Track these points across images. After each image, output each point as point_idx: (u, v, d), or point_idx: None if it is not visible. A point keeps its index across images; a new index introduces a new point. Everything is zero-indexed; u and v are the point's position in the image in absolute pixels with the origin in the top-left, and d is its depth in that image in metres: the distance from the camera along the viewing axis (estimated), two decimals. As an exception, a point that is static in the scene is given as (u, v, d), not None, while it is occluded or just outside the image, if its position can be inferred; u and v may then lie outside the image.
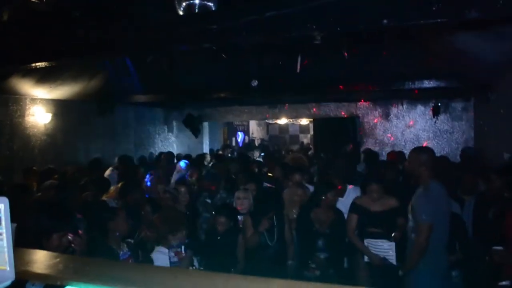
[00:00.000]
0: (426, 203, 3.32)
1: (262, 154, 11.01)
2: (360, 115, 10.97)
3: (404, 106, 10.56)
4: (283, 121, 16.81)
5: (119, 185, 4.86)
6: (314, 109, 11.40)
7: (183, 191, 4.62)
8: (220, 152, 11.09)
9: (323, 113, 11.34)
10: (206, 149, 13.01)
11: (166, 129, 11.89)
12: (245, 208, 4.28)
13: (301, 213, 4.31)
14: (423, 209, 3.31)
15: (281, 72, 7.29)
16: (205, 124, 13.18)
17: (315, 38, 4.63)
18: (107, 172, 6.62)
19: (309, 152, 11.51)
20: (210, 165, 8.16)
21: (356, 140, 11.16)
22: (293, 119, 17.29)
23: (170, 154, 8.79)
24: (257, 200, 4.32)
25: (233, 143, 16.32)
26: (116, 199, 4.50)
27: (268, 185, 5.35)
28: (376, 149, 10.51)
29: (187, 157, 8.85)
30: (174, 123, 12.24)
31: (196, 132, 11.76)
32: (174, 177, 6.69)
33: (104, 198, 4.56)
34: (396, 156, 7.89)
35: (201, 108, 12.06)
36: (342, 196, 4.78)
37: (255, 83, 7.27)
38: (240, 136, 17.27)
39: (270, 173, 6.15)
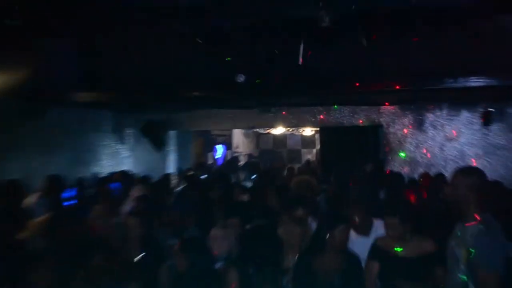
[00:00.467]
0: (492, 246, 3.30)
1: (253, 176, 11.02)
2: (384, 123, 11.08)
3: (444, 111, 10.69)
4: (279, 130, 16.81)
5: (45, 217, 4.72)
6: (321, 115, 11.48)
7: (133, 224, 4.58)
8: (192, 173, 11.04)
9: (333, 121, 11.44)
10: (172, 168, 12.97)
11: (118, 139, 11.89)
12: (223, 251, 4.28)
13: (299, 261, 4.30)
14: (489, 254, 3.28)
15: (277, 65, 7.33)
16: (172, 133, 13.15)
17: (323, 19, 4.66)
18: (32, 199, 6.47)
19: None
20: (177, 190, 8.12)
21: (379, 158, 11.23)
22: (293, 128, 17.35)
23: (124, 174, 8.69)
24: (242, 242, 4.28)
25: (210, 161, 16.33)
26: (41, 238, 4.35)
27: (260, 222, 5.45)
28: (407, 169, 10.62)
29: (145, 179, 8.84)
30: (129, 132, 12.21)
31: (159, 144, 11.67)
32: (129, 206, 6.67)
33: (22, 236, 4.39)
34: (433, 179, 7.95)
35: (166, 111, 12.08)
36: (366, 233, 4.88)
37: (241, 78, 7.30)
38: (220, 150, 17.28)
39: (262, 202, 6.22)
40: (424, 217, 5.17)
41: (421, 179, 8.40)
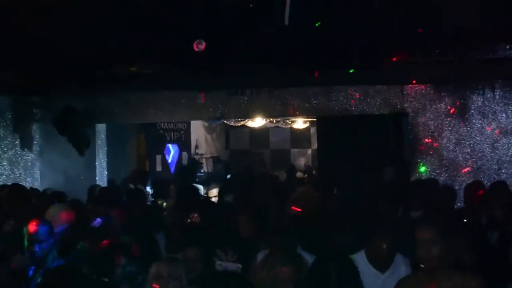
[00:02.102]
0: None
1: (220, 190, 11.00)
2: (410, 110, 11.17)
3: (497, 93, 10.83)
4: (258, 122, 16.87)
5: None
6: (319, 100, 11.55)
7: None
8: (131, 187, 11.01)
9: (337, 108, 11.49)
10: (101, 178, 12.96)
11: (18, 136, 11.80)
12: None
13: None
14: None
15: (252, 27, 7.34)
16: (101, 127, 13.11)
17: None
18: None
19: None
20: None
21: (403, 161, 11.31)
22: (279, 119, 17.40)
23: (16, 190, 8.70)
24: (201, 285, 4.33)
25: (159, 167, 16.32)
26: None
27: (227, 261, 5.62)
28: (444, 176, 10.75)
29: (59, 195, 8.81)
30: (35, 127, 12.13)
31: (82, 144, 11.64)
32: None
33: None
34: (486, 190, 8.01)
35: (92, 96, 12.04)
36: (382, 268, 4.99)
37: (201, 45, 7.31)
38: (172, 152, 17.30)
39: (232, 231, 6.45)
40: (474, 249, 5.26)
41: (469, 190, 8.40)
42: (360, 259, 5.20)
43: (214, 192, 11.62)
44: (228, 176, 14.32)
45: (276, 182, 11.66)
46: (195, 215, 7.52)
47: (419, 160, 10.98)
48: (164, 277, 4.51)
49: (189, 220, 7.48)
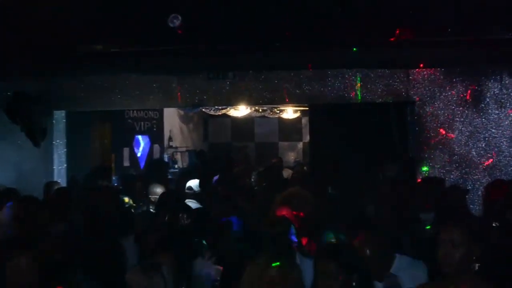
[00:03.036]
0: None
1: (195, 187, 11.08)
2: (417, 97, 11.14)
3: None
4: (241, 111, 16.81)
5: None
6: (311, 85, 11.50)
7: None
8: (102, 183, 10.95)
9: (332, 94, 11.46)
10: (60, 173, 12.92)
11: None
12: None
13: None
14: None
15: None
16: (59, 115, 13.04)
17: None
18: None
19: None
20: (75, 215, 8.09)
21: (408, 156, 11.34)
22: (265, 108, 17.34)
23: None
24: None
25: (126, 161, 16.32)
26: None
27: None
28: (454, 174, 10.77)
29: (11, 193, 8.81)
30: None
31: (38, 133, 11.58)
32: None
33: None
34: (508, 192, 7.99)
35: (49, 78, 11.93)
36: (379, 278, 5.08)
37: (176, 21, 7.30)
38: (142, 144, 17.30)
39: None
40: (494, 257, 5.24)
41: (490, 191, 8.40)
42: None
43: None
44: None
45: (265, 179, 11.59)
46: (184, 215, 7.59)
47: (426, 156, 10.96)
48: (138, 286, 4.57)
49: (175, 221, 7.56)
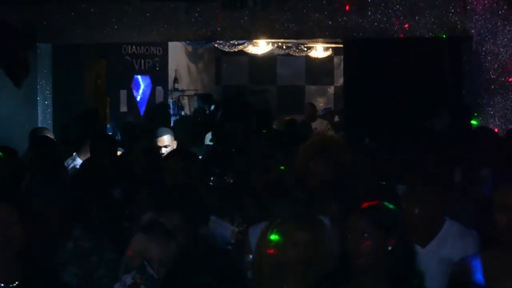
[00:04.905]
0: None
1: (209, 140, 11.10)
2: (474, 33, 11.08)
3: None
4: (261, 47, 16.81)
5: None
6: (348, 17, 11.46)
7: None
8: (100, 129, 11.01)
9: (372, 28, 11.40)
10: (45, 119, 13.02)
11: None
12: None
13: None
14: None
15: None
16: (45, 49, 13.06)
17: None
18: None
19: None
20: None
21: (462, 103, 11.32)
22: (290, 43, 17.31)
23: None
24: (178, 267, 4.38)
25: (123, 106, 16.49)
26: None
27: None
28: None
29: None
30: None
31: (19, 71, 11.65)
32: None
33: None
34: None
35: (33, 5, 11.98)
36: (423, 242, 5.13)
37: None
38: (143, 86, 17.40)
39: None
40: None
41: None
42: None
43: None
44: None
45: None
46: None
47: (484, 102, 10.93)
48: (157, 260, 4.53)
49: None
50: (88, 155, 9.16)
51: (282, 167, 7.29)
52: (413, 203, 5.27)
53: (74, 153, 9.65)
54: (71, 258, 5.52)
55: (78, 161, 9.45)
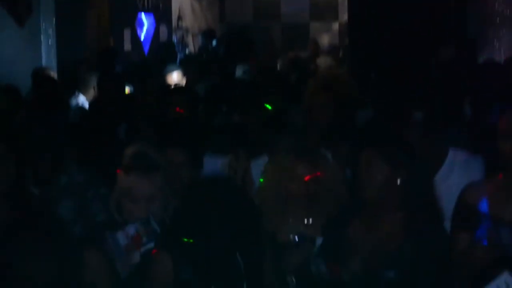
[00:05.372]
0: None
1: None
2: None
3: None
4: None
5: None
6: None
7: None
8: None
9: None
10: (49, 58, 13.05)
11: None
12: (143, 214, 4.54)
13: (330, 229, 4.71)
14: None
15: None
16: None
17: None
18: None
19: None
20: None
21: (467, 37, 11.34)
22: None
23: None
24: (188, 198, 4.43)
25: (127, 45, 16.48)
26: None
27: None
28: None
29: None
30: None
31: (21, 9, 11.65)
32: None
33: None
34: None
35: None
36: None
37: None
38: (147, 25, 17.36)
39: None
40: None
41: None
42: None
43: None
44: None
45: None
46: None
47: (490, 35, 10.91)
48: (144, 197, 4.58)
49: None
50: (91, 94, 9.26)
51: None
52: (413, 134, 5.27)
53: (77, 92, 9.67)
54: (66, 193, 5.62)
55: (81, 99, 9.52)
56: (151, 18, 17.34)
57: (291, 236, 4.92)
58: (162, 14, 17.86)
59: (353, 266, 4.34)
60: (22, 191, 5.23)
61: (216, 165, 6.32)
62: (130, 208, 4.59)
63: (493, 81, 7.81)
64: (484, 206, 4.38)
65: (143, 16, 17.07)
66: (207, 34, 18.43)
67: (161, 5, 17.77)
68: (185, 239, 4.22)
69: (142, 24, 16.98)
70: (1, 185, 4.91)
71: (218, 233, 4.20)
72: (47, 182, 5.69)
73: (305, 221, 4.97)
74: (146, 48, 16.69)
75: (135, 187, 4.61)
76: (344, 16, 17.37)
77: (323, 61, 14.77)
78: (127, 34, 16.52)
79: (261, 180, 5.35)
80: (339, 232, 4.60)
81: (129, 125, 7.23)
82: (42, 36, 12.99)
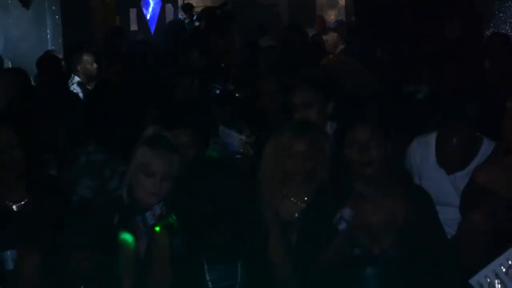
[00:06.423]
0: None
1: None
2: None
3: None
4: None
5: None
6: None
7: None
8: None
9: None
10: (55, 40, 13.09)
11: None
12: (157, 196, 4.67)
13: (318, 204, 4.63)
14: None
15: None
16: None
17: None
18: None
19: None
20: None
21: (473, 12, 11.24)
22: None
23: None
24: (188, 177, 4.44)
25: (133, 25, 16.63)
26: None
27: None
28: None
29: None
30: None
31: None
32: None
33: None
34: None
35: None
36: (464, 165, 5.28)
37: None
38: (152, 4, 17.39)
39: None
40: None
41: None
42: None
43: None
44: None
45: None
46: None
47: (495, 9, 10.86)
48: (159, 173, 4.67)
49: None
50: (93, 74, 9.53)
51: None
52: (450, 134, 5.40)
53: (72, 74, 9.69)
54: (84, 172, 5.73)
55: (76, 79, 9.59)
56: (156, -3, 17.27)
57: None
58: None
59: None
60: (39, 173, 5.34)
61: (235, 140, 6.50)
62: (144, 183, 4.69)
63: (498, 57, 7.82)
64: (493, 185, 4.40)
65: (149, -5, 17.02)
66: (182, 7, 18.30)
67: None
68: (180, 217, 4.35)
69: (148, 3, 16.95)
70: (13, 170, 4.98)
71: (216, 216, 4.26)
72: (67, 163, 5.78)
73: (305, 199, 5.02)
74: (152, 28, 16.66)
75: (152, 163, 4.71)
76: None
77: (330, 37, 14.80)
78: (133, 13, 16.51)
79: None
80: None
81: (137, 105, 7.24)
82: (47, 17, 12.99)
